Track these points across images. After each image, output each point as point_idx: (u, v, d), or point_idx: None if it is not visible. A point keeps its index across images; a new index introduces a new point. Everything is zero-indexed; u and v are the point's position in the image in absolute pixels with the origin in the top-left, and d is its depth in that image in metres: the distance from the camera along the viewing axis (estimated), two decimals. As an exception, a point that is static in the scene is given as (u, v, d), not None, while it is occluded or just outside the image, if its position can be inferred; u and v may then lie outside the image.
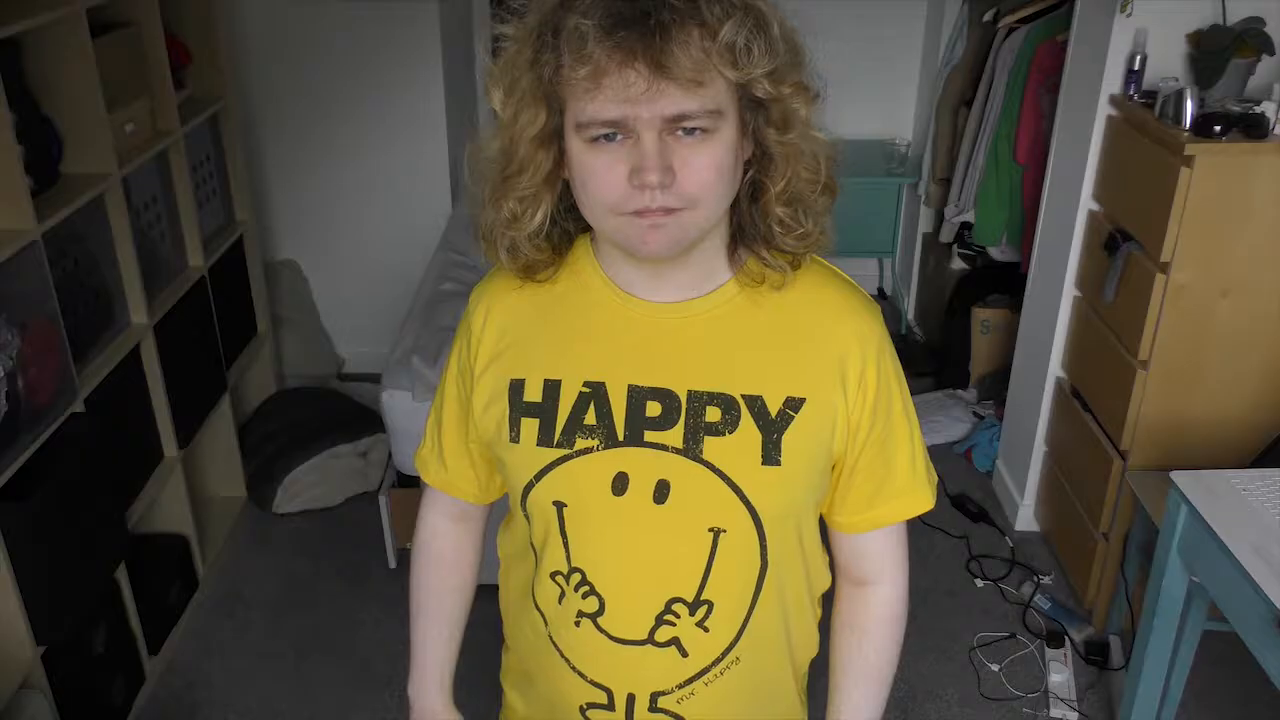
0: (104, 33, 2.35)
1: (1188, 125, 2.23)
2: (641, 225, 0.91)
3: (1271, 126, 2.20)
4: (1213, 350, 2.39)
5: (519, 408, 1.01)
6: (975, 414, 3.52)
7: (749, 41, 0.87)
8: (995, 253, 3.64)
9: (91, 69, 2.21)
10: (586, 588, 1.02)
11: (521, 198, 0.96)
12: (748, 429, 0.98)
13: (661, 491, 0.98)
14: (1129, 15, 2.41)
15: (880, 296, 4.59)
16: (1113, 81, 2.51)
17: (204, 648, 2.65)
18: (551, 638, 1.07)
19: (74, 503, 2.13)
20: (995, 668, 2.59)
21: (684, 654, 1.03)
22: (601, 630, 1.03)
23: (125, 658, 2.40)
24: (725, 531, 0.99)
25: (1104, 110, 2.54)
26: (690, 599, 1.01)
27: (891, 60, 4.19)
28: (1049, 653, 2.60)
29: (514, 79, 0.92)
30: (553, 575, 1.04)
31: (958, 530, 3.08)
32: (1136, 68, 2.44)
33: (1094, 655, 2.58)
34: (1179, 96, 2.24)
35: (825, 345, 1.01)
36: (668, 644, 1.03)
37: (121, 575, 2.38)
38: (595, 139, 0.89)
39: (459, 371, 1.10)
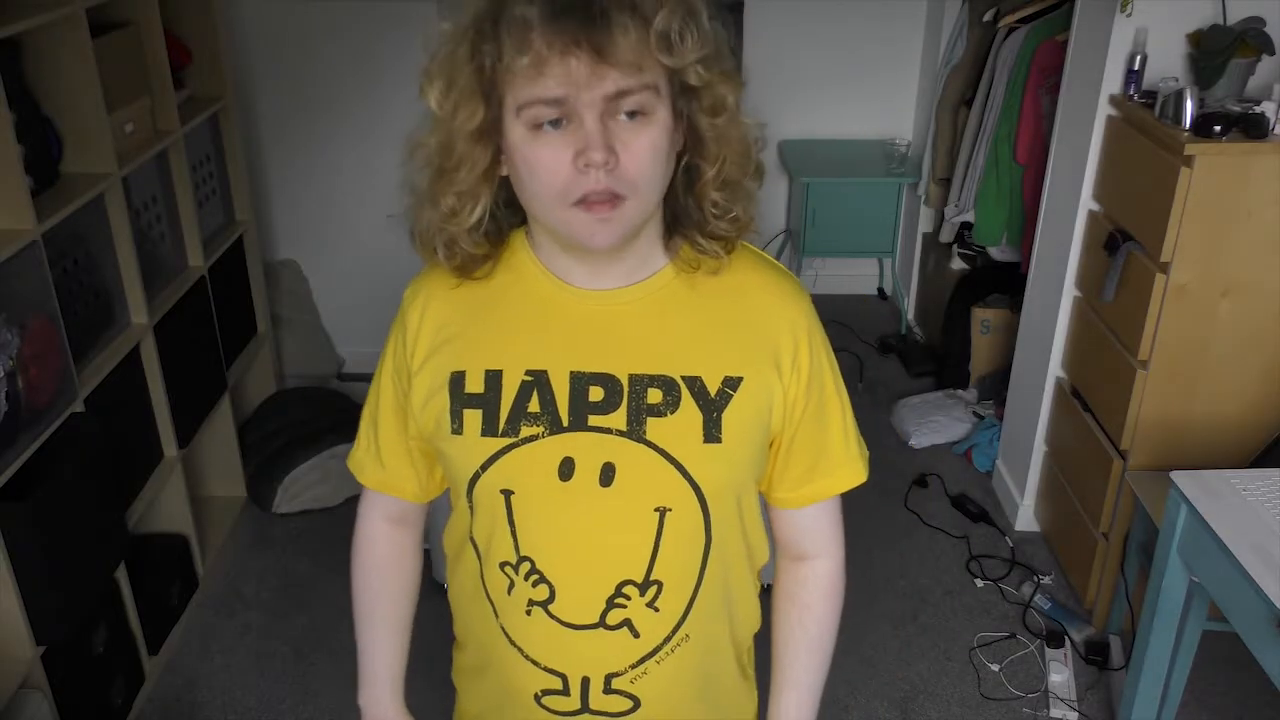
0: (104, 33, 2.35)
1: (1188, 125, 2.23)
2: (589, 220, 0.92)
3: (1271, 126, 2.20)
4: (1213, 350, 2.39)
5: (460, 399, 1.02)
6: (975, 414, 3.53)
7: (682, 30, 0.90)
8: (995, 253, 3.64)
9: (91, 69, 2.21)
10: (536, 576, 1.03)
11: (460, 193, 0.98)
12: (688, 409, 1.00)
13: (607, 474, 1.00)
14: (1129, 15, 2.41)
15: (880, 296, 4.59)
16: (1113, 81, 2.51)
17: (204, 648, 2.65)
18: (503, 628, 1.07)
19: (74, 503, 2.13)
20: (995, 668, 2.59)
21: (635, 635, 1.05)
22: (553, 617, 1.04)
23: (125, 658, 2.40)
24: (671, 510, 1.01)
25: (1104, 110, 2.54)
26: (640, 580, 1.03)
27: (891, 60, 4.19)
28: (1049, 653, 2.61)
29: (451, 75, 0.95)
30: (501, 566, 1.05)
31: (958, 530, 3.08)
32: (1136, 68, 2.44)
33: (1094, 655, 2.59)
34: (1179, 96, 2.24)
35: (760, 327, 1.04)
36: (619, 626, 1.04)
37: (121, 575, 2.38)
38: (538, 125, 0.90)
39: (394, 369, 1.10)
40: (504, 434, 1.00)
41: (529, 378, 1.00)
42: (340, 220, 3.72)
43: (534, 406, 1.00)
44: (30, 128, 2.12)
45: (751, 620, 1.23)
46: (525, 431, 1.00)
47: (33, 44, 2.15)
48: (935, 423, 3.50)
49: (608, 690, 1.07)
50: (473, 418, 1.01)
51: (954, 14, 3.83)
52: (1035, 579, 2.86)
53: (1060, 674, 2.53)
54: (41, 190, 2.16)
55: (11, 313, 1.96)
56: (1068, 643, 2.62)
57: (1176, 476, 1.91)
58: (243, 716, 2.45)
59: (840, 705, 2.48)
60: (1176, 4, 2.40)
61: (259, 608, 2.78)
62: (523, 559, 1.03)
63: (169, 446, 2.63)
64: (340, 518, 3.12)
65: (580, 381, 1.00)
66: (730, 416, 1.01)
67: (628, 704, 1.08)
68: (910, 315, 4.32)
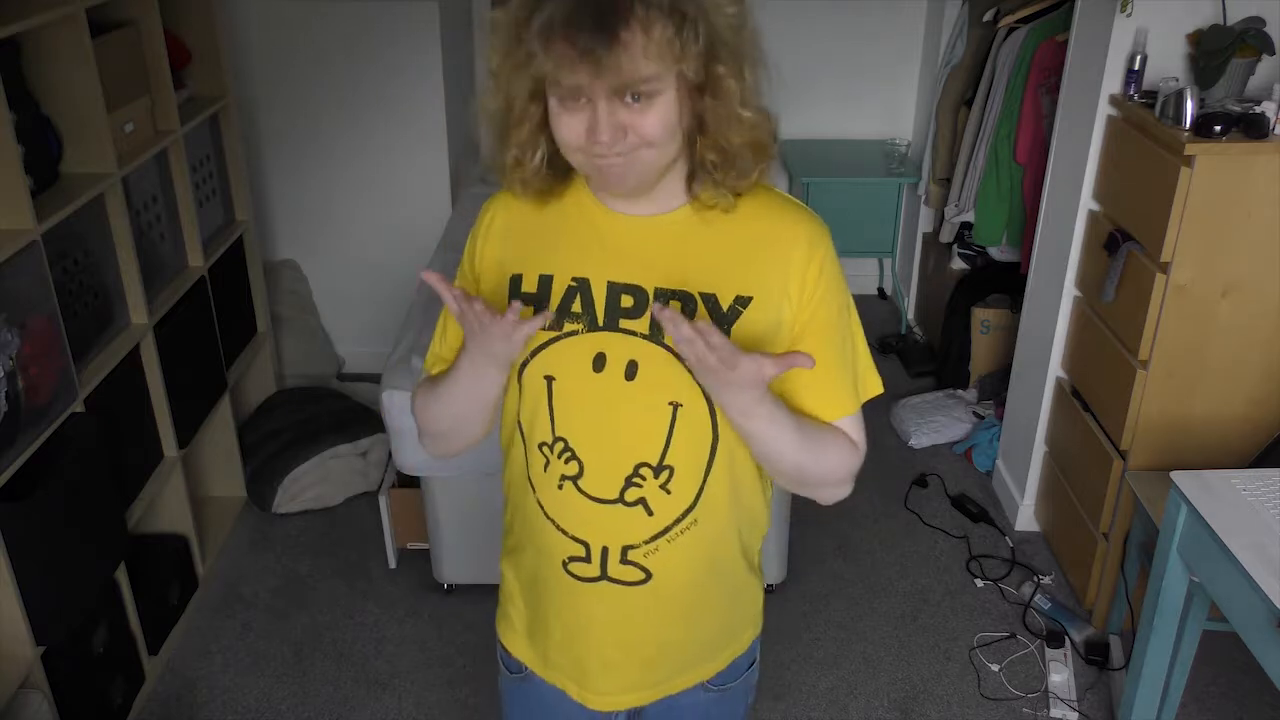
0: (104, 33, 2.35)
1: (1188, 125, 2.23)
2: (610, 169, 1.11)
3: (1271, 126, 2.20)
4: (1213, 350, 2.39)
5: (516, 296, 1.20)
6: (975, 414, 3.53)
7: (677, 37, 1.04)
8: (995, 253, 3.64)
9: (91, 69, 2.21)
10: (569, 453, 1.20)
11: (521, 144, 1.15)
12: (702, 319, 1.11)
13: (631, 369, 1.17)
14: (1129, 15, 2.41)
15: (880, 296, 4.60)
16: (1113, 81, 2.51)
17: (204, 648, 2.65)
18: (539, 502, 1.24)
19: (74, 503, 2.13)
20: (995, 668, 2.59)
21: (649, 513, 1.21)
22: (581, 491, 1.21)
23: (125, 658, 2.40)
24: (682, 405, 1.17)
25: (1104, 110, 2.54)
26: (655, 463, 1.19)
27: (891, 60, 4.19)
28: (1049, 653, 2.61)
29: (508, 48, 1.09)
30: (540, 446, 1.22)
31: (958, 530, 3.08)
32: (1136, 68, 2.44)
33: (1094, 655, 2.59)
34: (1179, 96, 2.24)
35: (774, 249, 1.19)
36: (635, 503, 1.20)
37: (121, 575, 2.38)
38: (562, 99, 1.08)
39: (466, 271, 1.29)
40: (550, 327, 1.18)
41: (574, 283, 1.19)
42: (340, 220, 3.72)
43: (576, 307, 1.18)
44: (30, 128, 2.12)
45: (759, 524, 1.36)
46: (568, 327, 1.18)
47: (33, 44, 2.15)
48: (935, 423, 3.50)
49: (624, 560, 1.23)
50: (526, 312, 1.14)
51: (954, 14, 3.83)
52: (1035, 579, 2.86)
53: (1060, 674, 2.53)
54: (41, 190, 2.16)
55: (11, 313, 1.96)
56: (1068, 643, 2.62)
57: (1176, 476, 1.91)
58: (243, 716, 2.45)
59: (840, 705, 2.48)
60: (1176, 4, 2.40)
61: (259, 608, 2.78)
62: (558, 439, 1.20)
63: (169, 446, 2.63)
64: (340, 518, 3.12)
65: (615, 290, 1.18)
66: (739, 330, 1.16)
67: (641, 575, 1.24)
68: (910, 315, 4.32)
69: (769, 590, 2.82)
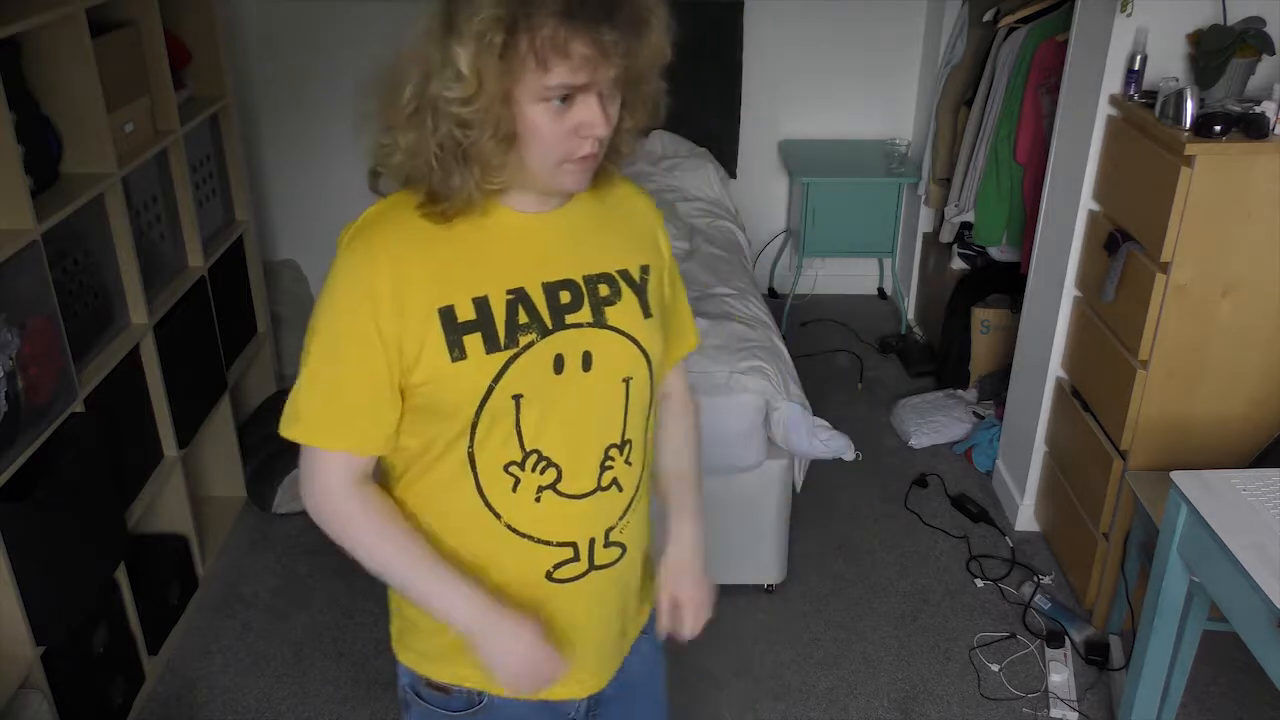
0: (104, 33, 2.35)
1: (1188, 125, 2.23)
2: (578, 169, 1.13)
3: (1271, 126, 2.20)
4: (1213, 350, 2.39)
5: (455, 329, 1.14)
6: (975, 414, 3.53)
7: (646, 41, 1.09)
8: (995, 253, 3.64)
9: (91, 69, 2.21)
10: (544, 462, 1.20)
11: (488, 159, 1.10)
12: (627, 295, 1.24)
13: (587, 360, 1.20)
14: (1129, 15, 2.41)
15: (880, 296, 4.60)
16: (1113, 81, 2.51)
17: (204, 648, 2.65)
18: (509, 525, 1.21)
19: (74, 503, 2.13)
20: (995, 668, 2.59)
21: (620, 489, 1.26)
22: (561, 494, 1.22)
23: (125, 658, 2.40)
24: (632, 379, 1.24)
25: (1104, 110, 2.54)
26: (619, 441, 1.24)
27: (891, 60, 4.19)
28: (1049, 653, 2.61)
29: (482, 47, 1.04)
30: (506, 468, 1.19)
31: (958, 530, 3.08)
32: (1136, 68, 2.44)
33: (1094, 655, 2.58)
34: (1179, 96, 2.24)
35: (644, 220, 1.32)
36: (610, 486, 1.25)
37: (121, 575, 2.38)
38: (547, 100, 1.07)
39: (362, 335, 1.14)
40: (506, 347, 1.15)
41: (510, 295, 1.16)
42: (340, 220, 3.68)
43: (523, 318, 1.16)
44: (30, 128, 2.12)
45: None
46: (522, 340, 1.16)
47: (33, 44, 2.15)
48: (935, 423, 3.50)
49: (607, 544, 1.27)
50: (473, 341, 1.14)
51: (954, 14, 3.83)
52: (1035, 579, 2.86)
53: (1060, 674, 2.53)
54: (41, 190, 2.16)
55: (11, 313, 1.96)
56: (1068, 643, 2.62)
57: (1176, 476, 1.91)
58: (243, 716, 2.45)
59: (840, 705, 2.48)
60: (1176, 4, 2.40)
61: (259, 608, 2.78)
62: (529, 453, 1.19)
63: (169, 446, 2.63)
64: (340, 518, 3.12)
65: (551, 289, 1.19)
66: (651, 295, 1.27)
67: (618, 552, 1.29)
68: (910, 315, 4.32)
69: (769, 590, 2.83)
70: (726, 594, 2.79)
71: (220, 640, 2.67)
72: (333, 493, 1.21)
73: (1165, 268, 2.32)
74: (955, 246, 3.81)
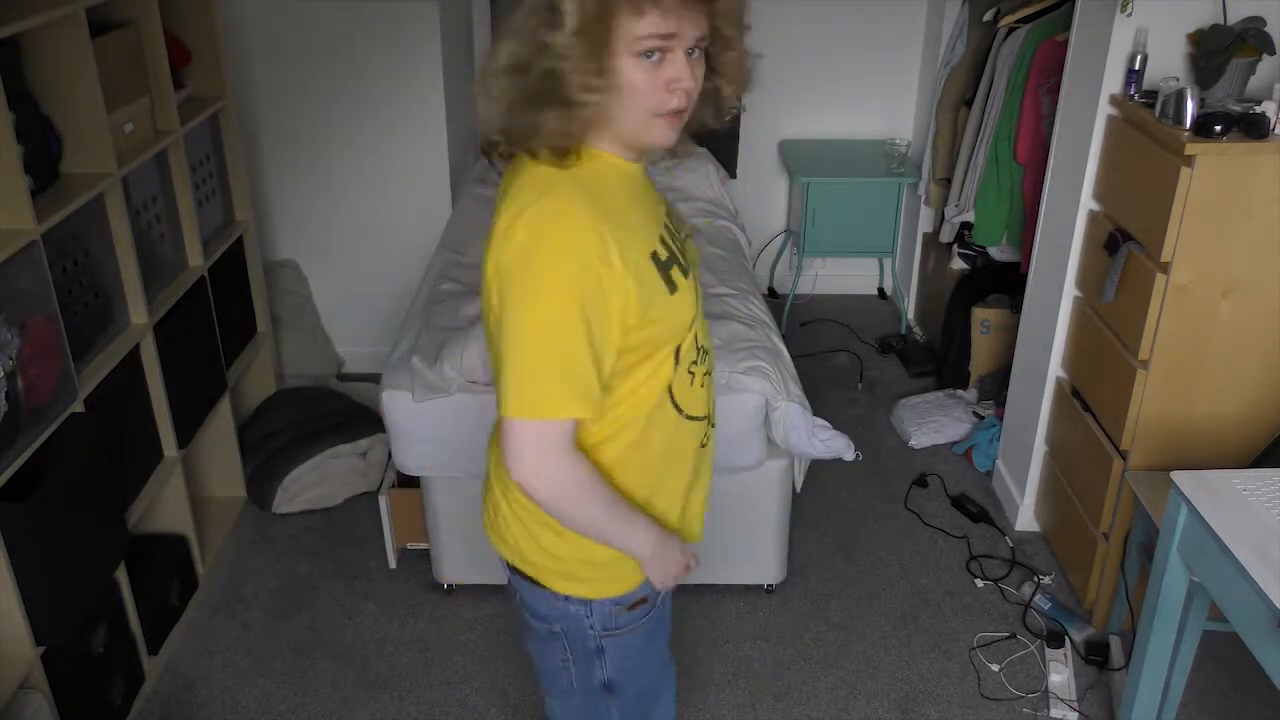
0: (104, 33, 2.35)
1: (1188, 125, 2.23)
2: (666, 124, 1.27)
3: (1271, 126, 2.20)
4: (1213, 350, 2.39)
5: (663, 267, 1.32)
6: (975, 414, 3.52)
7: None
8: (995, 253, 3.64)
9: (91, 69, 2.21)
10: (704, 353, 1.45)
11: (590, 91, 1.21)
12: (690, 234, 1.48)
13: (692, 271, 1.41)
14: (1129, 15, 2.41)
15: (880, 296, 4.60)
16: (1113, 81, 2.51)
17: (204, 648, 2.65)
18: (686, 414, 1.43)
19: (74, 503, 2.13)
20: (995, 668, 2.59)
21: (709, 354, 1.49)
22: (710, 376, 1.48)
23: (125, 658, 2.40)
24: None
25: (1104, 110, 2.54)
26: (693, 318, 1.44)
27: (891, 60, 4.19)
28: (1049, 653, 2.61)
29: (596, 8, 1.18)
30: (689, 369, 1.40)
31: (958, 530, 3.08)
32: (1137, 67, 2.44)
33: (1094, 655, 2.59)
34: (1179, 96, 2.24)
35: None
36: (711, 369, 1.50)
37: (121, 575, 2.38)
38: (640, 54, 1.20)
39: (588, 301, 1.23)
40: (689, 269, 1.39)
41: (665, 227, 1.38)
42: (340, 220, 3.72)
43: (675, 244, 1.38)
44: (30, 128, 2.12)
45: None
46: (687, 279, 1.38)
47: (33, 44, 2.15)
48: (935, 423, 3.50)
49: (709, 413, 1.52)
50: (676, 274, 1.34)
51: (954, 14, 3.83)
52: (1035, 579, 2.86)
53: (1060, 674, 2.53)
54: (41, 190, 2.16)
55: (11, 313, 1.96)
56: (1068, 643, 2.62)
57: (1176, 476, 1.91)
58: (242, 716, 2.45)
59: (840, 705, 2.48)
60: (1177, 4, 2.40)
61: (259, 608, 2.78)
62: (700, 348, 1.43)
63: (169, 446, 2.63)
64: (340, 518, 3.12)
65: (666, 229, 1.39)
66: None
67: (708, 412, 1.52)
68: (910, 315, 4.32)
69: (769, 590, 2.83)
70: (726, 594, 2.80)
71: (220, 640, 2.67)
72: (560, 462, 1.29)
73: (1165, 268, 2.32)
74: (955, 246, 3.81)
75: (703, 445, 1.51)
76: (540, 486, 1.29)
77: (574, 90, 1.20)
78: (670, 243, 1.37)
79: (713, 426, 1.54)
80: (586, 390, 1.26)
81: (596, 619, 1.47)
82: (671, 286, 1.32)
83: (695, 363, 1.42)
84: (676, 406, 1.40)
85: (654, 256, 1.31)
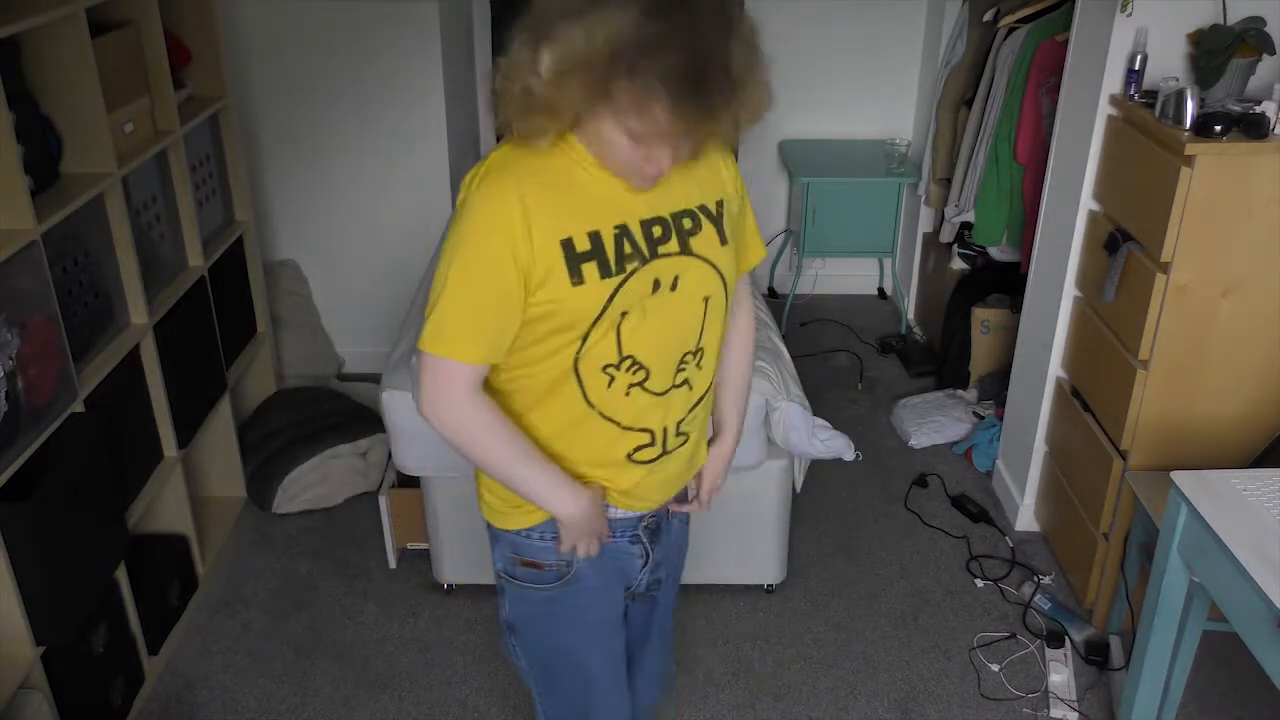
0: (104, 33, 2.35)
1: (1188, 125, 2.23)
2: (641, 180, 1.34)
3: (1271, 126, 2.20)
4: (1213, 350, 2.39)
5: (575, 259, 1.34)
6: (975, 414, 3.53)
7: (746, 103, 1.30)
8: (995, 253, 3.64)
9: (91, 69, 2.21)
10: (636, 365, 1.42)
11: (544, 125, 1.29)
12: (707, 226, 1.44)
13: (675, 282, 1.41)
14: (1129, 15, 2.41)
15: (880, 296, 4.60)
16: (1113, 81, 2.51)
17: (204, 648, 2.65)
18: (602, 414, 1.44)
19: (74, 503, 2.12)
20: (995, 668, 2.59)
21: (690, 389, 1.50)
22: (647, 390, 1.45)
23: (125, 658, 2.40)
24: (710, 297, 1.46)
25: (1104, 110, 2.54)
26: (694, 349, 1.47)
27: (891, 60, 4.19)
28: (1049, 653, 2.61)
29: (568, 70, 1.21)
30: (604, 369, 1.41)
31: (958, 530, 3.08)
32: (1137, 67, 2.44)
33: (1094, 655, 2.59)
34: (1179, 96, 2.24)
35: (717, 169, 1.50)
36: (683, 384, 1.48)
37: (121, 575, 2.38)
38: (625, 131, 1.25)
39: (498, 259, 1.32)
40: (617, 273, 1.35)
41: (617, 230, 1.36)
42: (340, 220, 3.72)
43: (627, 249, 1.36)
44: (30, 128, 2.12)
45: None
46: (628, 268, 1.36)
47: (33, 44, 2.15)
48: (935, 423, 3.50)
49: (676, 434, 1.51)
50: (590, 269, 1.34)
51: (954, 14, 3.83)
52: (1035, 579, 2.86)
53: (1060, 674, 2.53)
54: (41, 190, 2.16)
55: (11, 313, 1.96)
56: (1068, 643, 2.62)
57: (1176, 476, 1.91)
58: (242, 716, 2.45)
59: (840, 705, 2.48)
60: (1177, 4, 2.40)
61: (259, 608, 2.78)
62: (625, 358, 1.41)
63: (169, 446, 2.63)
64: (340, 518, 3.12)
65: (646, 225, 1.38)
66: (726, 224, 1.47)
67: (682, 439, 1.53)
68: (910, 315, 4.32)
69: (769, 590, 2.83)
70: (726, 594, 2.80)
71: (220, 640, 2.67)
72: (458, 400, 1.40)
73: (1165, 268, 2.32)
74: (955, 246, 3.81)
75: (642, 461, 1.50)
76: (435, 418, 1.41)
77: (539, 119, 1.28)
78: (631, 239, 1.37)
79: (668, 450, 1.52)
80: (489, 339, 1.37)
81: (500, 553, 1.60)
82: (576, 277, 1.33)
83: (614, 367, 1.42)
84: (588, 401, 1.43)
85: (567, 243, 1.33)
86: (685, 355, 1.46)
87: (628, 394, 1.44)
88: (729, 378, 1.66)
